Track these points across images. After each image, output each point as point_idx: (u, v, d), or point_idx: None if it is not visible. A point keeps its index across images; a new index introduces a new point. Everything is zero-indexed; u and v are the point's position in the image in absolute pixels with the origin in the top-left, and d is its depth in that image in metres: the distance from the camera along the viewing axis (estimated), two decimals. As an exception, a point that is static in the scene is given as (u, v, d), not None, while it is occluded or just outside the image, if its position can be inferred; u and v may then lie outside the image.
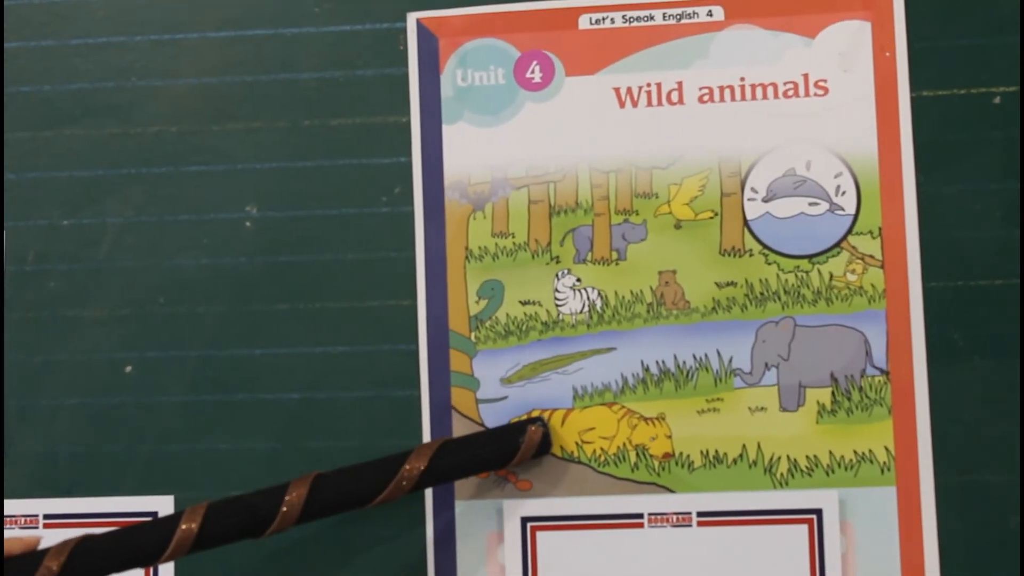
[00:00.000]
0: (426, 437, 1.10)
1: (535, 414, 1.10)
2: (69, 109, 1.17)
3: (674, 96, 1.12)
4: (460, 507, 1.10)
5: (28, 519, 1.13)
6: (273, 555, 1.11)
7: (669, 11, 1.12)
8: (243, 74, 1.16)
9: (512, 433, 1.10)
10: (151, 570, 1.12)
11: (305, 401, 1.12)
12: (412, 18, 1.14)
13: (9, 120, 1.16)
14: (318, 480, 0.99)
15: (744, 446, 1.08)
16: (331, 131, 1.14)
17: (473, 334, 1.11)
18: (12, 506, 1.13)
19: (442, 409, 1.10)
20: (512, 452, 1.09)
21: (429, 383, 1.11)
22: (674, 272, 1.10)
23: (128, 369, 1.14)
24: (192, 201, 1.15)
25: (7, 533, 1.13)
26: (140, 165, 1.16)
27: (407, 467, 1.03)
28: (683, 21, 1.12)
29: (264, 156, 1.15)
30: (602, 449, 1.09)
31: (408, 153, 1.13)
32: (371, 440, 1.11)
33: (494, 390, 1.10)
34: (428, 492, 1.10)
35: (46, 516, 1.13)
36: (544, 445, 1.10)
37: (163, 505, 1.12)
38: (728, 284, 1.10)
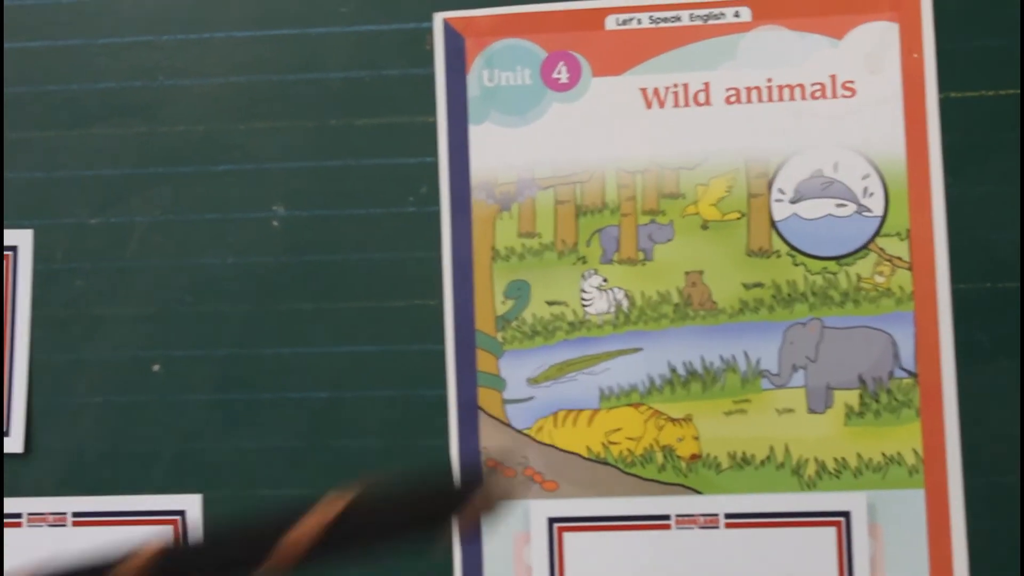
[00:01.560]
0: (453, 437, 1.06)
1: (561, 414, 1.06)
2: (96, 108, 1.14)
3: (701, 97, 1.08)
4: (486, 507, 1.05)
5: (57, 517, 1.09)
6: None
7: (696, 12, 1.08)
8: (269, 73, 1.12)
9: (451, 495, 0.74)
10: None
11: (331, 400, 1.09)
12: (438, 18, 1.10)
13: (37, 119, 1.13)
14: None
15: (771, 448, 1.05)
16: (357, 131, 1.11)
17: (500, 334, 1.07)
18: (41, 504, 1.10)
19: (469, 409, 1.07)
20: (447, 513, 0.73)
21: (456, 383, 1.06)
22: (701, 273, 1.07)
23: (155, 368, 1.10)
24: (218, 200, 1.12)
25: (38, 532, 1.09)
26: (167, 164, 1.12)
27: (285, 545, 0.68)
28: (710, 22, 1.08)
29: (290, 156, 1.11)
30: (629, 450, 1.06)
31: (435, 153, 1.10)
32: (397, 440, 1.08)
33: (521, 390, 1.07)
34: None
35: (75, 514, 1.09)
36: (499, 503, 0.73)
37: (190, 503, 1.08)
38: (755, 285, 1.06)
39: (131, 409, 1.10)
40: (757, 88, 1.07)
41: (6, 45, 1.14)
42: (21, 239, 1.12)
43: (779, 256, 1.05)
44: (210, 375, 1.10)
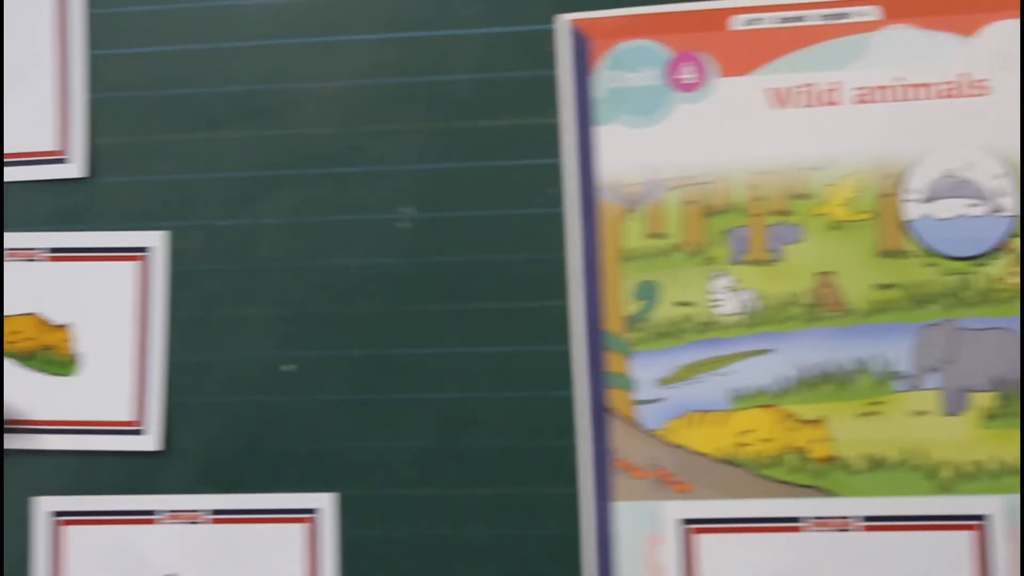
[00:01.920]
0: (581, 438, 1.06)
1: (692, 415, 1.06)
2: (226, 111, 1.15)
3: (829, 97, 1.07)
4: (618, 508, 1.07)
5: (194, 514, 1.11)
6: (427, 553, 1.09)
7: (824, 11, 1.06)
8: (396, 76, 1.13)
9: None
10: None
11: (461, 401, 1.09)
12: (563, 20, 1.10)
13: (168, 122, 1.15)
14: None
15: (906, 450, 1.03)
16: (483, 132, 1.11)
17: (628, 335, 1.07)
18: (178, 501, 1.11)
19: (598, 410, 1.06)
20: None
21: (584, 384, 1.07)
22: (831, 273, 1.06)
23: (287, 368, 1.11)
24: (347, 202, 1.13)
25: (176, 529, 1.11)
26: (296, 166, 1.13)
27: None
28: (838, 21, 1.07)
29: (417, 157, 1.12)
30: (761, 452, 1.05)
31: (560, 154, 1.09)
32: (524, 440, 1.08)
33: (651, 391, 1.07)
34: (586, 492, 1.06)
35: (210, 512, 1.10)
36: None
37: (325, 502, 1.09)
38: (887, 286, 1.05)
39: (266, 408, 1.11)
40: (887, 87, 1.06)
41: (140, 50, 1.14)
42: (155, 240, 1.13)
43: (911, 256, 1.04)
44: (342, 375, 1.11)
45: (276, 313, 1.12)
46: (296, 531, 1.10)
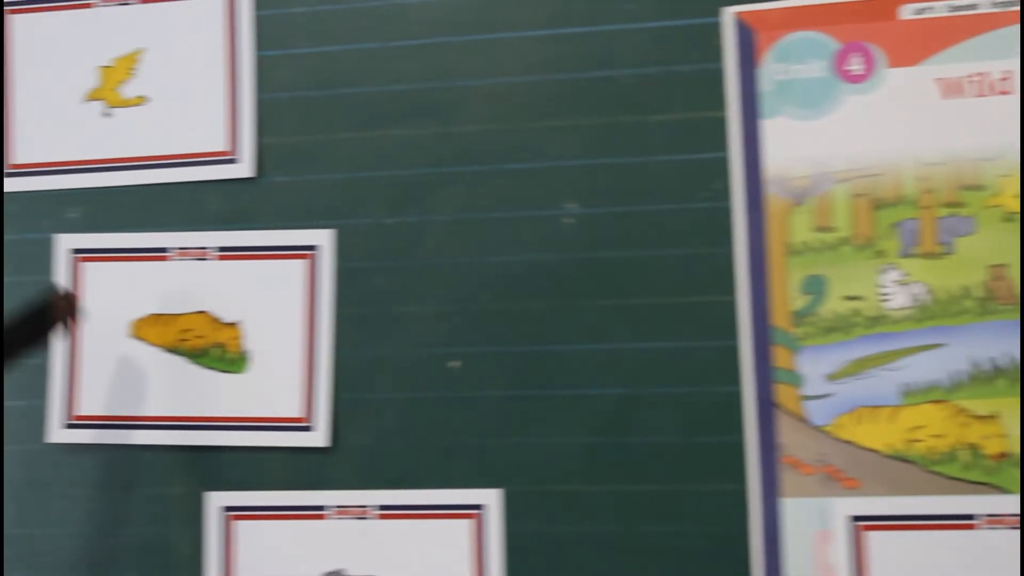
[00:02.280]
0: (749, 433, 1.27)
1: (861, 411, 1.26)
2: (392, 110, 1.38)
3: (1002, 86, 1.26)
4: (786, 505, 1.27)
5: (361, 509, 1.35)
6: (592, 550, 1.33)
7: (996, -1, 1.26)
8: (561, 72, 1.35)
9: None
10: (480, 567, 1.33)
11: (626, 397, 1.31)
12: (728, 13, 1.32)
13: (334, 121, 1.39)
14: None
15: (1083, 445, 1.21)
16: (649, 127, 1.33)
17: (796, 330, 1.28)
18: (345, 497, 1.36)
19: (766, 406, 1.28)
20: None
21: (751, 379, 1.28)
22: (1005, 266, 1.25)
23: (453, 364, 1.35)
24: (512, 199, 1.35)
25: (343, 524, 1.36)
26: (461, 164, 1.36)
27: None
28: (1010, 9, 1.26)
29: (582, 153, 1.34)
30: (932, 448, 1.24)
31: (727, 148, 1.31)
32: (691, 436, 1.29)
33: (819, 386, 1.27)
34: (754, 488, 1.28)
35: (377, 507, 1.35)
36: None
37: (491, 498, 1.33)
38: (1064, 279, 1.22)
39: (431, 405, 1.35)
40: (1062, 75, 1.24)
41: (306, 50, 1.40)
42: (322, 239, 1.38)
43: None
44: (507, 371, 1.33)
45: (441, 310, 1.36)
46: (462, 527, 1.34)
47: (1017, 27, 1.23)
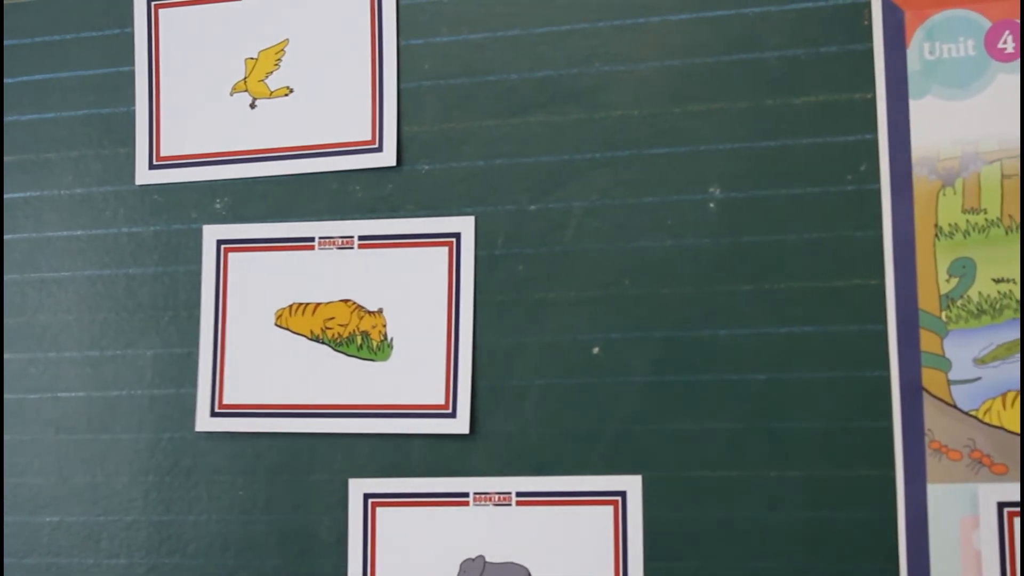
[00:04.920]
0: (896, 418, 1.52)
1: (1011, 395, 1.50)
2: (534, 96, 1.64)
3: None
4: (933, 491, 1.49)
5: (502, 496, 1.64)
6: (735, 536, 1.56)
7: None
8: (705, 55, 1.60)
9: None
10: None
11: (770, 382, 1.55)
12: (876, -8, 1.56)
13: (476, 109, 1.65)
14: None
15: None
16: (794, 109, 1.57)
17: (944, 313, 1.52)
18: (486, 483, 1.63)
19: (913, 390, 1.52)
20: None
21: (899, 363, 1.53)
22: None
23: (595, 350, 1.63)
24: (655, 184, 1.59)
25: (484, 511, 1.65)
26: (604, 149, 1.62)
27: None
28: None
29: (726, 137, 1.58)
30: None
31: (874, 130, 1.53)
32: (838, 422, 1.52)
33: (967, 371, 1.50)
34: (899, 476, 1.50)
35: (518, 494, 1.64)
36: None
37: (631, 484, 1.60)
38: None
39: (572, 391, 1.59)
40: None
41: (448, 39, 1.68)
42: (464, 226, 1.66)
43: None
44: (649, 357, 1.58)
45: (583, 296, 1.62)
46: (603, 513, 1.61)
47: None
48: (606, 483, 1.59)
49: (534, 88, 1.66)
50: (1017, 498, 1.45)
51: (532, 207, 1.64)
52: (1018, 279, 1.49)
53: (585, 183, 1.63)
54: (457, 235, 1.66)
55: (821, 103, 1.57)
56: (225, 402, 1.70)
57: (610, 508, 1.58)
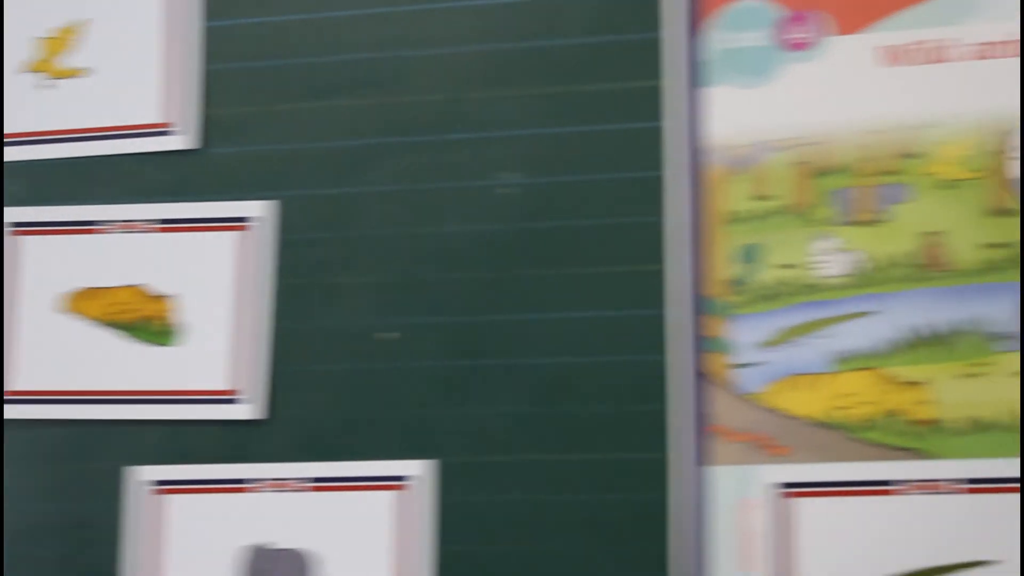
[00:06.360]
0: (674, 403, 1.62)
1: (792, 379, 1.62)
2: (336, 80, 1.76)
3: (942, 54, 1.64)
4: (712, 473, 1.63)
5: (291, 482, 1.78)
6: (520, 519, 1.68)
7: (939, -34, 1.57)
8: (502, 42, 1.72)
9: None
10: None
11: (559, 366, 1.67)
12: (674, -19, 1.67)
13: (276, 93, 1.77)
14: None
15: (1011, 412, 1.56)
16: (588, 96, 1.69)
17: (729, 298, 1.68)
18: (276, 470, 1.74)
19: (693, 374, 1.66)
20: None
21: (681, 348, 1.66)
22: (940, 233, 1.61)
23: (389, 336, 1.74)
24: (453, 169, 1.71)
25: (274, 497, 1.81)
26: (403, 134, 1.73)
27: None
28: (954, -23, 1.58)
29: (523, 123, 1.70)
30: (860, 415, 1.60)
31: (663, 117, 1.67)
32: (620, 405, 1.65)
33: (752, 354, 1.63)
34: (675, 458, 1.63)
35: (312, 479, 1.77)
36: None
37: (420, 469, 1.73)
38: (995, 245, 1.57)
39: (368, 376, 1.70)
40: (999, 43, 1.62)
41: (254, 20, 1.78)
42: (262, 210, 1.80)
43: (1017, 215, 1.60)
44: (443, 342, 1.69)
45: (379, 281, 1.71)
46: (390, 498, 1.72)
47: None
48: (394, 468, 1.72)
49: (336, 72, 1.78)
50: (793, 479, 1.60)
51: (330, 192, 1.76)
52: (802, 264, 1.64)
53: (384, 168, 1.76)
54: (254, 219, 1.77)
55: (615, 90, 1.70)
56: (12, 388, 1.79)
57: (397, 493, 1.70)
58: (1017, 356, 1.57)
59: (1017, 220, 1.59)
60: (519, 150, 1.72)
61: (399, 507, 1.69)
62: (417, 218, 1.73)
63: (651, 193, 1.68)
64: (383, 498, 1.70)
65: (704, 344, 1.64)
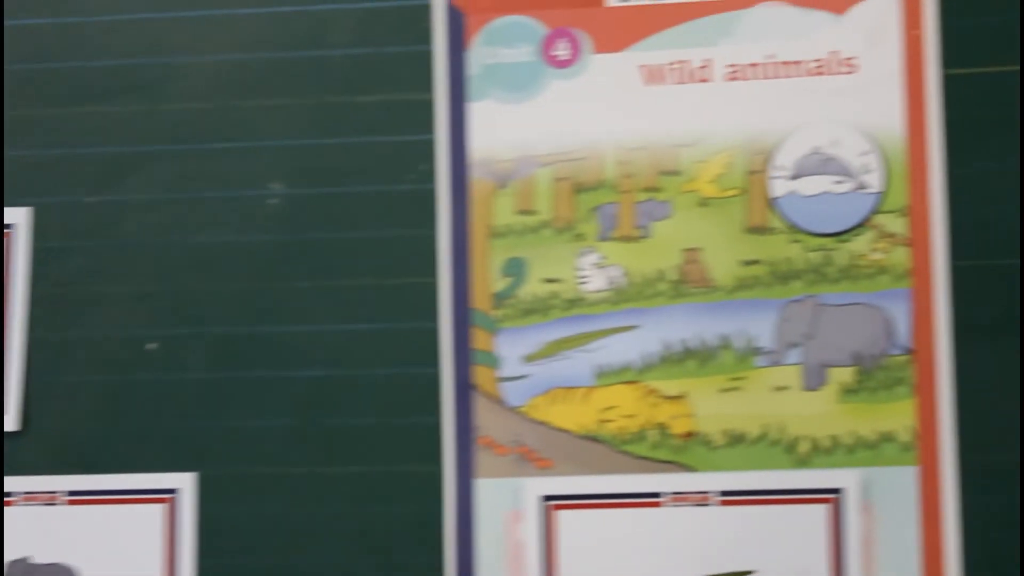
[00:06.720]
0: (446, 415, 1.70)
1: (555, 392, 1.69)
2: (96, 86, 1.74)
3: (701, 74, 1.72)
4: (480, 485, 1.67)
5: (51, 495, 1.77)
6: (288, 532, 1.69)
7: (699, -12, 1.71)
8: (271, 51, 1.73)
9: None
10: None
11: (327, 378, 1.69)
12: (440, -5, 1.73)
13: (37, 97, 1.74)
14: None
15: (766, 425, 1.64)
16: (357, 108, 1.71)
17: (496, 312, 1.71)
18: (35, 482, 1.72)
19: (462, 387, 1.72)
20: None
21: (450, 361, 1.71)
22: (699, 250, 1.68)
23: (151, 346, 1.77)
24: (217, 178, 1.71)
25: (31, 511, 1.79)
26: (166, 142, 1.73)
27: None
28: (713, -2, 1.72)
29: (290, 133, 1.71)
30: (623, 428, 1.67)
31: (433, 130, 1.71)
32: (390, 418, 1.67)
33: (516, 368, 1.68)
34: (448, 471, 1.66)
35: (70, 492, 1.78)
36: None
37: (185, 482, 1.77)
38: (753, 262, 1.65)
39: (128, 388, 1.70)
40: (758, 64, 1.69)
41: (12, 23, 1.74)
42: (19, 217, 1.76)
43: (776, 233, 1.67)
44: (207, 353, 1.70)
45: (141, 291, 1.71)
46: (154, 511, 1.74)
47: (718, 16, 1.67)
48: (158, 481, 1.72)
49: (97, 77, 1.77)
50: (558, 491, 1.65)
51: (90, 199, 1.75)
52: (566, 279, 1.70)
53: (146, 176, 1.75)
54: (10, 226, 1.75)
55: (384, 102, 1.72)
56: None
57: (163, 506, 1.71)
58: (771, 371, 1.66)
59: (772, 238, 1.68)
60: (287, 160, 1.73)
61: (161, 520, 1.69)
62: (181, 227, 1.73)
63: (424, 205, 1.70)
64: (144, 511, 1.71)
65: (473, 357, 1.67)
